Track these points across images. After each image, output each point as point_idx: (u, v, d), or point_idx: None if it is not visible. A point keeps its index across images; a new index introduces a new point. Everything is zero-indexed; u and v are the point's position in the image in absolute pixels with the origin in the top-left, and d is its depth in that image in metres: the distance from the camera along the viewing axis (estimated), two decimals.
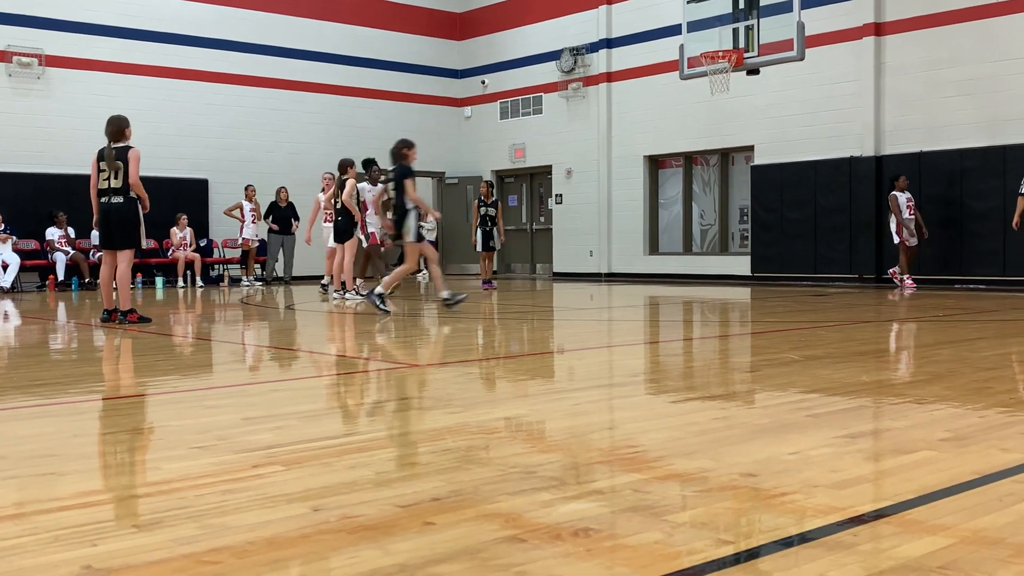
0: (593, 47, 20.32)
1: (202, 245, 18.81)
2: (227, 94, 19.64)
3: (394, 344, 7.83)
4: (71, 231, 17.06)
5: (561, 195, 21.09)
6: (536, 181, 22.32)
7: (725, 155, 18.81)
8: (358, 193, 12.92)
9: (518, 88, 22.10)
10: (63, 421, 4.15)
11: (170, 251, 18.12)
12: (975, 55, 14.81)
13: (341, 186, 12.75)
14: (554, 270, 21.34)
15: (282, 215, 18.64)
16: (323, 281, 14.22)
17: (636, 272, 19.64)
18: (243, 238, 18.47)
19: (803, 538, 2.24)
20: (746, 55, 14.31)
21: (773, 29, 14.04)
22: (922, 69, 15.41)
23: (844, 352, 6.47)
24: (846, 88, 16.28)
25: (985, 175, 14.66)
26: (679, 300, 13.29)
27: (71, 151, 16.78)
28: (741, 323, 9.66)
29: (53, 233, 16.95)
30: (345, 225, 12.79)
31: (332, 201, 13.06)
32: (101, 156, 8.79)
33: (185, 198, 18.69)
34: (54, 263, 16.86)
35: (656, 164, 19.94)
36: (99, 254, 17.04)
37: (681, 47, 15.23)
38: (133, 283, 17.31)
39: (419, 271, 19.32)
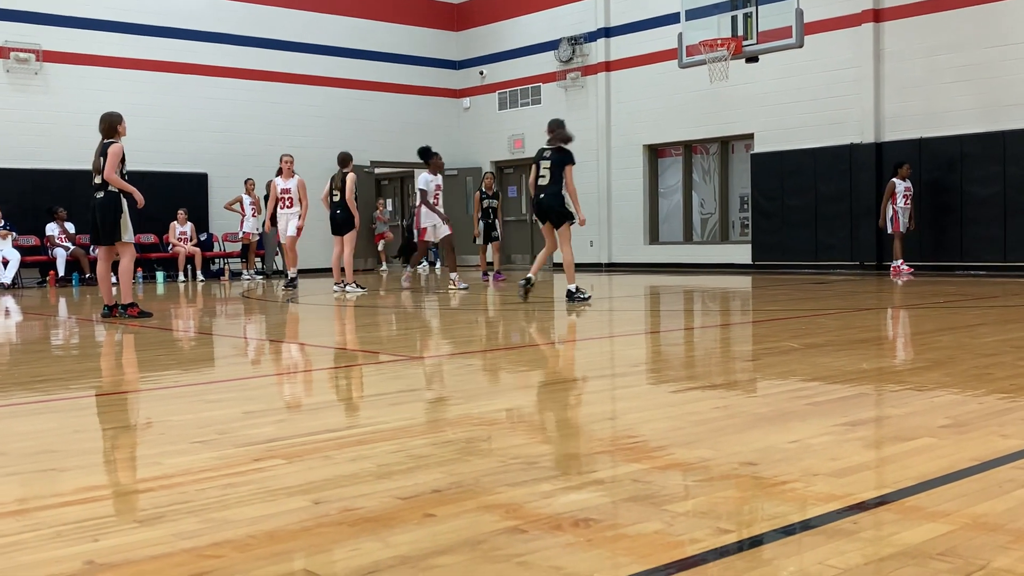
0: (591, 36, 20.28)
1: (202, 239, 18.81)
2: (225, 88, 19.61)
3: (393, 336, 7.84)
4: (71, 227, 17.05)
5: None
6: None
7: (725, 143, 18.79)
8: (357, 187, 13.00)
9: (516, 78, 22.07)
10: (64, 417, 4.15)
11: (170, 246, 18.11)
12: (975, 40, 14.77)
13: (342, 180, 12.74)
14: (554, 261, 21.29)
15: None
16: (290, 275, 13.92)
17: (636, 262, 19.63)
18: (243, 232, 18.46)
19: (804, 526, 2.24)
20: (745, 43, 14.29)
21: (772, 16, 14.02)
22: (922, 55, 15.38)
23: (844, 340, 6.47)
24: (845, 75, 16.24)
25: (985, 161, 14.64)
26: (679, 289, 13.29)
27: (70, 146, 16.77)
28: (742, 312, 9.66)
29: (53, 229, 16.95)
30: (344, 218, 12.78)
31: (329, 196, 12.98)
32: None
33: (185, 192, 18.69)
34: (54, 259, 16.86)
35: (656, 153, 19.92)
36: (98, 250, 17.13)
37: (680, 35, 15.21)
38: (133, 278, 17.34)
39: (425, 262, 19.32)
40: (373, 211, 21.59)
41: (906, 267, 14.46)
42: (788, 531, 2.21)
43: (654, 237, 19.92)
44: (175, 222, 18.06)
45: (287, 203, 13.89)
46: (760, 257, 17.53)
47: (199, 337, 8.27)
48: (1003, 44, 14.50)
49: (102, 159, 8.69)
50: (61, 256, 16.85)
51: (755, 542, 2.16)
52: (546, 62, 21.17)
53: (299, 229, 13.80)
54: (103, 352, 7.07)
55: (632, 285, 14.33)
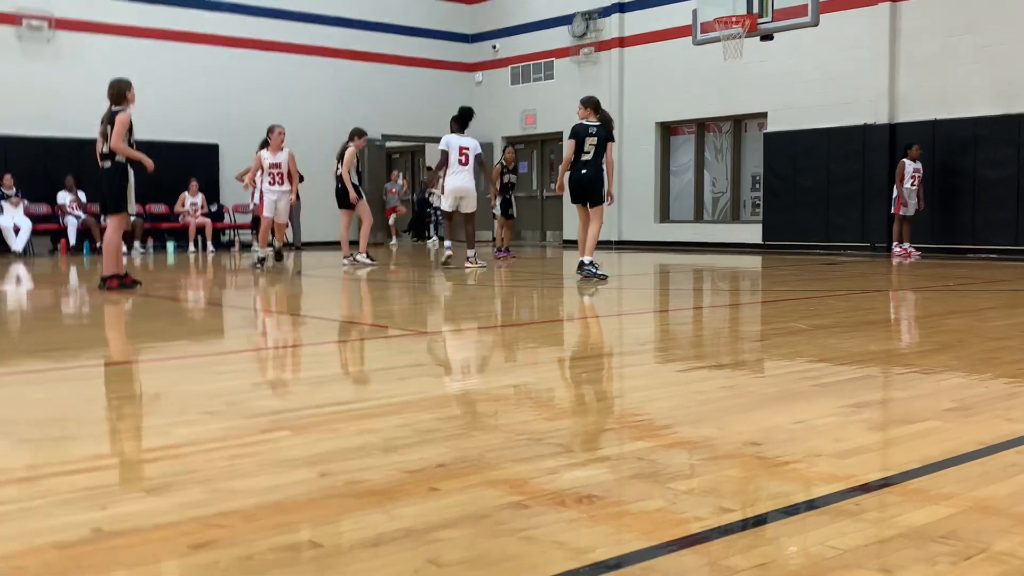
0: (606, 11, 20.15)
1: (213, 210, 18.82)
2: (238, 58, 19.56)
3: (402, 311, 7.86)
4: (82, 195, 17.09)
5: None
6: (547, 148, 22.23)
7: (738, 122, 18.70)
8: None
9: (529, 53, 21.96)
10: (74, 386, 4.19)
11: (180, 216, 18.13)
12: (991, 21, 14.63)
13: (342, 152, 12.74)
14: (564, 238, 21.30)
15: None
16: (275, 245, 13.03)
17: (646, 240, 19.60)
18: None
19: (806, 506, 2.25)
20: (760, 20, 14.16)
21: None
22: (938, 35, 15.24)
23: (853, 321, 6.47)
24: (860, 54, 16.12)
25: (999, 144, 14.54)
26: (689, 268, 13.27)
27: (82, 115, 16.71)
28: (751, 292, 9.65)
29: (64, 197, 16.99)
30: (341, 191, 12.78)
31: (336, 170, 12.91)
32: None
33: (196, 163, 18.68)
34: (65, 227, 16.91)
35: (668, 131, 19.83)
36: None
37: (694, 12, 15.08)
38: (144, 247, 17.41)
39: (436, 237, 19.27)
40: (385, 184, 21.55)
41: (914, 249, 14.40)
42: (791, 511, 2.22)
43: (664, 215, 19.88)
44: (186, 192, 18.07)
45: (277, 179, 12.54)
46: (770, 237, 17.48)
47: (208, 308, 8.30)
48: (1020, 26, 14.36)
49: (109, 127, 8.50)
50: (72, 224, 16.90)
51: (758, 521, 2.17)
52: (560, 37, 21.05)
53: (292, 206, 13.14)
54: (112, 322, 7.10)
55: (642, 263, 14.32)
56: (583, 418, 3.45)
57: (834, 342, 5.19)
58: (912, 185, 14.35)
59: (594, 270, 9.77)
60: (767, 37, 14.81)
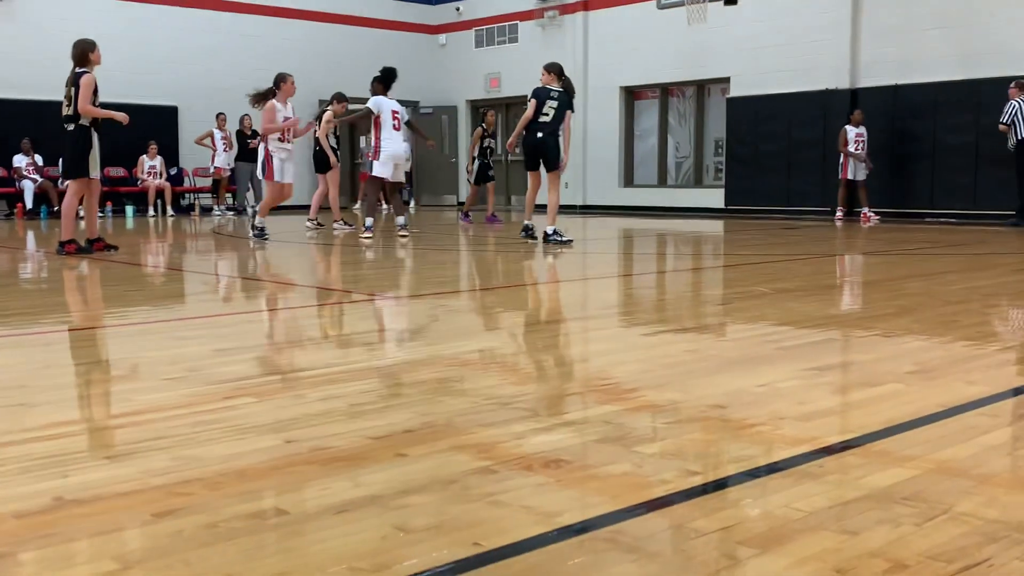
0: None
1: (172, 174, 18.54)
2: (197, 19, 19.19)
3: (367, 276, 7.81)
4: (39, 159, 16.76)
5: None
6: (512, 111, 22.04)
7: (701, 87, 18.69)
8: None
9: (493, 16, 21.76)
10: (32, 352, 4.12)
11: (140, 180, 17.84)
12: None
13: (319, 116, 12.63)
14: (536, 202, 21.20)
15: (247, 144, 18.05)
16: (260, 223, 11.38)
17: (611, 204, 19.60)
18: (215, 167, 18.21)
19: (771, 468, 2.27)
20: None
21: None
22: (899, 2, 15.29)
23: (814, 285, 6.52)
24: (823, 19, 16.14)
25: (960, 109, 14.66)
26: (653, 233, 13.31)
27: (38, 76, 16.38)
28: (713, 256, 9.70)
29: (20, 160, 16.66)
30: (319, 155, 12.66)
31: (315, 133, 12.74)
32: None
33: (155, 126, 18.34)
34: (22, 191, 16.60)
35: (632, 95, 19.79)
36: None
37: None
38: (102, 211, 17.12)
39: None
40: (361, 147, 21.30)
41: (873, 214, 14.64)
42: (755, 473, 2.23)
43: (629, 180, 19.88)
44: (144, 156, 17.75)
45: (288, 136, 10.95)
46: (733, 202, 17.56)
47: (169, 273, 8.20)
48: None
49: (73, 89, 8.36)
50: (29, 188, 16.59)
51: (723, 484, 2.19)
52: (524, 0, 20.87)
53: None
54: (71, 287, 7.00)
55: (606, 227, 14.33)
56: (549, 382, 3.45)
57: (796, 305, 5.23)
58: (856, 149, 14.55)
59: (561, 237, 9.81)
60: (731, 2, 14.83)
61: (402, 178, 11.50)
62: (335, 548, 1.78)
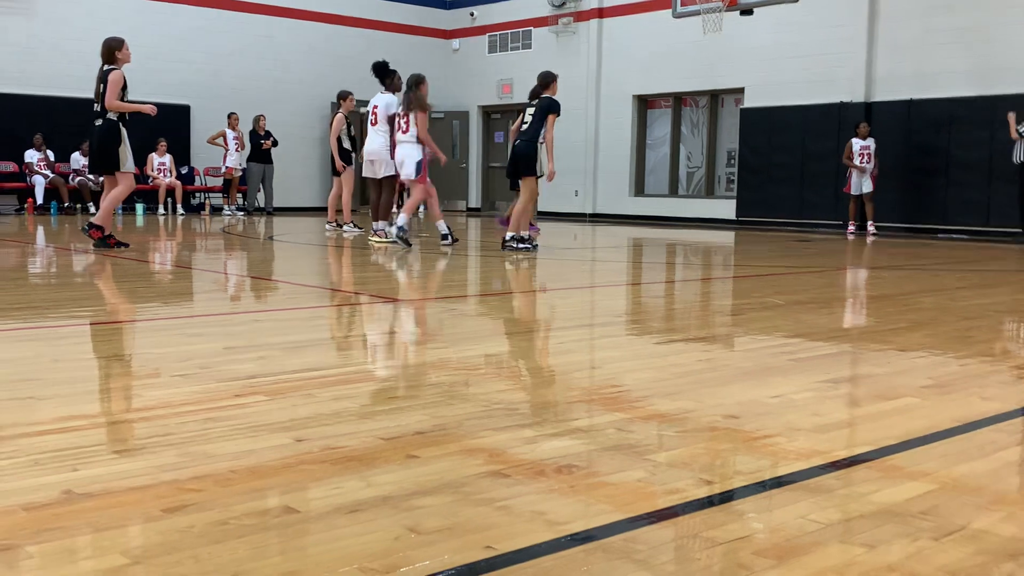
0: None
1: (183, 173, 18.57)
2: (212, 19, 19.25)
3: (378, 278, 7.80)
4: (51, 154, 16.81)
5: None
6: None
7: (715, 97, 18.67)
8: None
9: (507, 22, 21.78)
10: (43, 346, 4.11)
11: (150, 178, 17.85)
12: (970, 3, 14.67)
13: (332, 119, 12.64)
14: (538, 209, 21.20)
15: (260, 144, 18.10)
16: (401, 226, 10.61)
17: (621, 213, 19.58)
18: (226, 166, 18.23)
19: (784, 481, 2.25)
20: None
21: None
22: (916, 16, 15.26)
23: (828, 298, 6.49)
24: (839, 32, 16.11)
25: (974, 125, 14.61)
26: (663, 242, 13.28)
27: (53, 72, 16.48)
28: (725, 267, 9.67)
29: (32, 156, 16.70)
30: (331, 158, 12.67)
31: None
32: None
33: (166, 124, 18.36)
34: (33, 186, 16.64)
35: (645, 104, 19.78)
36: (78, 179, 16.92)
37: None
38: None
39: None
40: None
41: (874, 228, 14.65)
42: (767, 485, 2.21)
43: (639, 189, 19.86)
44: (154, 153, 17.72)
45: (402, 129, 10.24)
46: (744, 213, 17.52)
47: (179, 271, 8.20)
48: (998, 7, 14.40)
49: (102, 86, 8.60)
50: (40, 184, 16.62)
51: (737, 495, 2.17)
52: (538, 6, 20.87)
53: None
54: (82, 282, 7.00)
55: (616, 236, 14.31)
56: (561, 389, 3.43)
57: (810, 318, 5.21)
58: (862, 162, 14.49)
59: (515, 244, 9.62)
60: (747, 12, 14.79)
61: (382, 173, 10.74)
62: (346, 548, 1.76)
